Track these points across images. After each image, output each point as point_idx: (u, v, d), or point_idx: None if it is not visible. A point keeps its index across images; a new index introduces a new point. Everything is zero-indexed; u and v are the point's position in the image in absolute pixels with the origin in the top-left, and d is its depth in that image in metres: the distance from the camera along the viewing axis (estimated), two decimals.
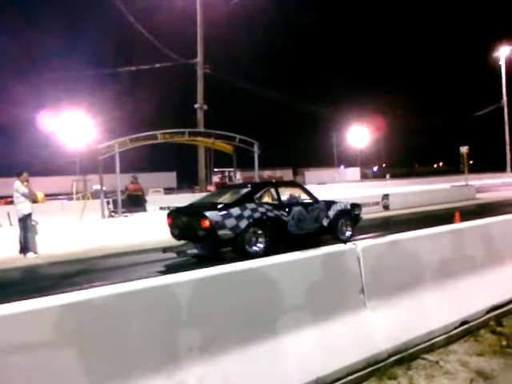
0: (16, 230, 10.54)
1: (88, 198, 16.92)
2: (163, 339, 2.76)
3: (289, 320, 3.30)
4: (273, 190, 9.64)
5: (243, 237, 8.57)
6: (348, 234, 10.25)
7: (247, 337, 3.08)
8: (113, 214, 15.46)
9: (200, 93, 24.98)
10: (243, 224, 8.55)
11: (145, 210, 17.49)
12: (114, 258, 9.94)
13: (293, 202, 9.82)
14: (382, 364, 3.46)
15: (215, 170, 44.26)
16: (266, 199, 9.55)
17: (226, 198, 9.35)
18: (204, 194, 19.60)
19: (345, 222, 10.27)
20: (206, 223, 8.30)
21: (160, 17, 25.74)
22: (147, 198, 19.59)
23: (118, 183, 14.95)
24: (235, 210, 8.57)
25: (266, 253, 8.09)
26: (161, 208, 10.97)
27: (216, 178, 42.29)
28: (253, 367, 2.99)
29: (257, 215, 8.78)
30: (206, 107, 24.92)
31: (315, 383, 3.11)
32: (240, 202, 8.81)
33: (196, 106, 24.89)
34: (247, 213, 8.67)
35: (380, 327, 3.67)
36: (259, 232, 8.79)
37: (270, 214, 9.01)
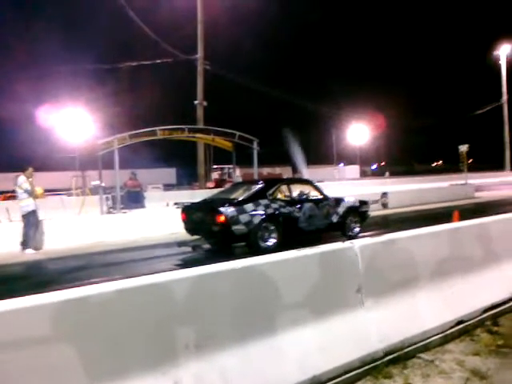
0: (14, 226, 10.54)
1: (87, 194, 16.92)
2: (160, 336, 2.77)
3: (286, 318, 3.31)
4: (285, 187, 9.88)
5: (256, 232, 8.75)
6: (356, 230, 10.48)
7: (245, 334, 3.09)
8: (111, 210, 15.46)
9: (200, 89, 24.96)
10: (257, 220, 8.73)
11: (143, 206, 17.51)
12: (112, 254, 9.95)
13: (304, 198, 9.99)
14: (378, 363, 3.47)
15: (214, 166, 44.16)
16: (279, 196, 9.73)
17: (239, 194, 9.49)
18: (203, 191, 19.64)
19: (353, 219, 10.49)
20: (221, 218, 8.47)
21: (161, 13, 25.69)
22: (146, 194, 19.62)
23: (116, 179, 14.95)
24: (249, 206, 8.76)
25: (277, 248, 8.21)
26: (175, 203, 11.13)
27: (215, 175, 42.25)
28: (251, 365, 3.00)
29: (270, 211, 8.97)
30: (205, 103, 24.90)
31: (312, 381, 3.12)
32: (253, 198, 8.99)
33: (196, 102, 24.87)
34: (261, 209, 8.86)
35: (376, 326, 3.69)
36: (272, 228, 8.98)
37: (282, 210, 9.20)
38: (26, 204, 10.25)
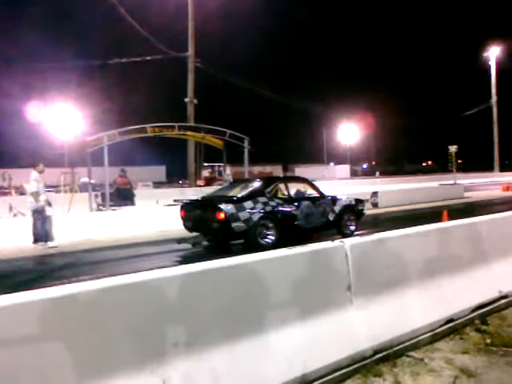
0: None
1: (76, 191, 16.79)
2: (148, 334, 2.74)
3: (276, 316, 3.29)
4: (283, 185, 9.98)
5: (255, 229, 8.85)
6: (352, 228, 10.57)
7: (234, 333, 3.07)
8: (101, 207, 15.37)
9: (190, 87, 24.88)
10: (256, 217, 8.83)
11: (133, 203, 17.42)
12: (101, 252, 9.87)
13: (301, 196, 10.10)
14: (368, 361, 3.47)
15: (205, 164, 44.05)
16: (277, 194, 9.81)
17: (237, 192, 9.58)
18: (193, 189, 19.55)
19: (349, 217, 10.59)
20: (221, 215, 8.55)
21: (151, 10, 25.54)
22: (136, 191, 19.52)
23: (106, 176, 14.85)
24: (248, 204, 8.86)
25: (275, 245, 8.34)
26: (175, 200, 11.19)
27: (206, 173, 42.14)
28: (240, 363, 2.98)
29: (268, 209, 9.07)
30: (196, 101, 24.81)
31: (301, 379, 3.11)
32: (252, 196, 9.09)
33: (186, 100, 24.77)
34: (259, 206, 8.95)
35: (366, 324, 3.68)
36: (270, 225, 9.07)
37: (280, 207, 9.31)
38: (30, 201, 10.33)
